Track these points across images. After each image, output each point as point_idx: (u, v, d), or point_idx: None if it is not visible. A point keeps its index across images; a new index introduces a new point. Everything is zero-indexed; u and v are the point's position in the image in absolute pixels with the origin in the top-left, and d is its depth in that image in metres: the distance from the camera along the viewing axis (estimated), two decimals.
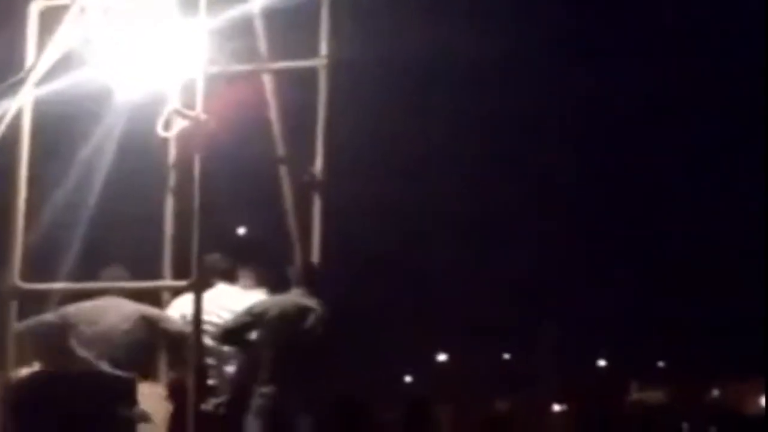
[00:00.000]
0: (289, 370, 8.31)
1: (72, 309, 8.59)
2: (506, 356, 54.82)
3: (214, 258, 8.95)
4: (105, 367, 8.19)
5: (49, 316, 8.47)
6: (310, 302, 8.48)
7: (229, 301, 8.78)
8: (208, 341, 8.45)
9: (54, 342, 8.14)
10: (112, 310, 8.51)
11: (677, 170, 50.33)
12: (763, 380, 42.75)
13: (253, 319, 8.43)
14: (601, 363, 55.26)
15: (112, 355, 8.29)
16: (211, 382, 8.61)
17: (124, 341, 8.38)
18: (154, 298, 9.05)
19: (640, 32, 48.94)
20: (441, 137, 42.01)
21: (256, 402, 8.34)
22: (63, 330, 8.19)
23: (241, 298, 8.87)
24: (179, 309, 8.73)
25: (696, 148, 48.93)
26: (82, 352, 8.14)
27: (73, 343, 8.14)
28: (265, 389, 8.31)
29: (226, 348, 8.72)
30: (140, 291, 8.71)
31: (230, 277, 9.20)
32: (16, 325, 8.37)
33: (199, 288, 8.03)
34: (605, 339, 50.74)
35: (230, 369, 8.84)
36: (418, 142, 39.78)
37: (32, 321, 8.45)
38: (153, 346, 8.60)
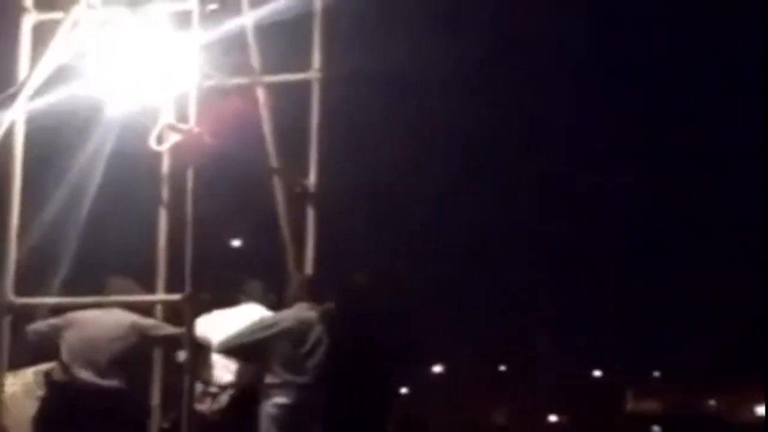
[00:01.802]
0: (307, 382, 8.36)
1: (68, 315, 8.61)
2: (502, 368, 54.79)
3: (256, 285, 8.99)
4: (85, 374, 8.29)
5: (42, 323, 8.64)
6: (314, 315, 8.53)
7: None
8: (214, 355, 8.52)
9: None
10: (103, 319, 8.52)
11: (674, 177, 50.41)
12: (758, 389, 42.80)
13: (264, 332, 8.45)
14: (597, 373, 55.28)
15: (94, 362, 8.34)
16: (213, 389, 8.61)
17: (108, 348, 8.37)
18: (148, 313, 9.01)
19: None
20: (434, 149, 42.07)
21: (268, 410, 8.33)
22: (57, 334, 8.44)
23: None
24: (202, 330, 8.67)
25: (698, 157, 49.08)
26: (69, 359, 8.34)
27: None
28: (279, 399, 8.32)
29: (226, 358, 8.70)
30: (133, 305, 8.69)
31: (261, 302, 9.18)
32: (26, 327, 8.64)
33: (192, 302, 8.03)
34: (601, 350, 50.76)
35: (227, 377, 8.79)
36: (412, 154, 39.83)
37: (33, 325, 8.64)
38: (143, 356, 8.62)
